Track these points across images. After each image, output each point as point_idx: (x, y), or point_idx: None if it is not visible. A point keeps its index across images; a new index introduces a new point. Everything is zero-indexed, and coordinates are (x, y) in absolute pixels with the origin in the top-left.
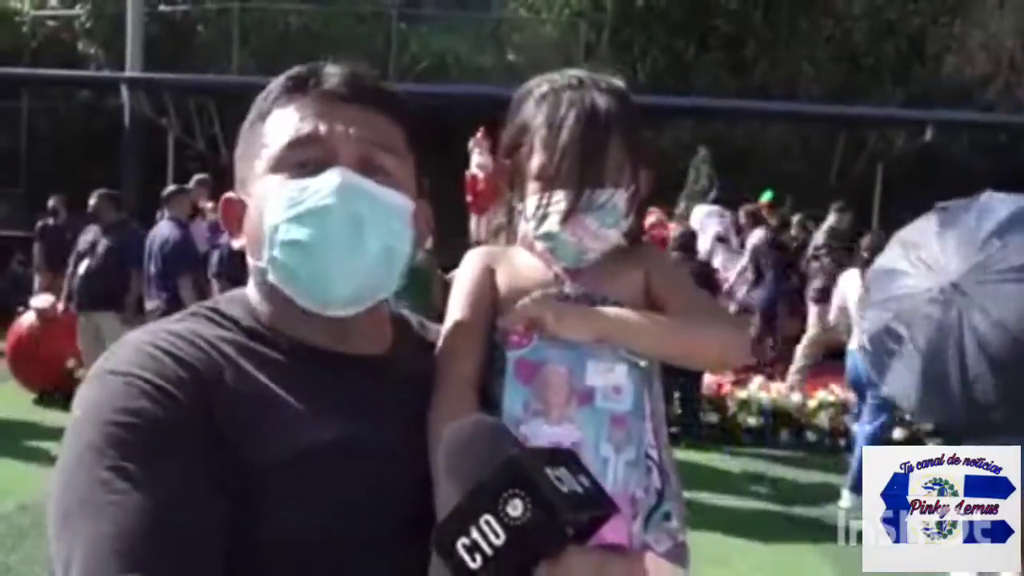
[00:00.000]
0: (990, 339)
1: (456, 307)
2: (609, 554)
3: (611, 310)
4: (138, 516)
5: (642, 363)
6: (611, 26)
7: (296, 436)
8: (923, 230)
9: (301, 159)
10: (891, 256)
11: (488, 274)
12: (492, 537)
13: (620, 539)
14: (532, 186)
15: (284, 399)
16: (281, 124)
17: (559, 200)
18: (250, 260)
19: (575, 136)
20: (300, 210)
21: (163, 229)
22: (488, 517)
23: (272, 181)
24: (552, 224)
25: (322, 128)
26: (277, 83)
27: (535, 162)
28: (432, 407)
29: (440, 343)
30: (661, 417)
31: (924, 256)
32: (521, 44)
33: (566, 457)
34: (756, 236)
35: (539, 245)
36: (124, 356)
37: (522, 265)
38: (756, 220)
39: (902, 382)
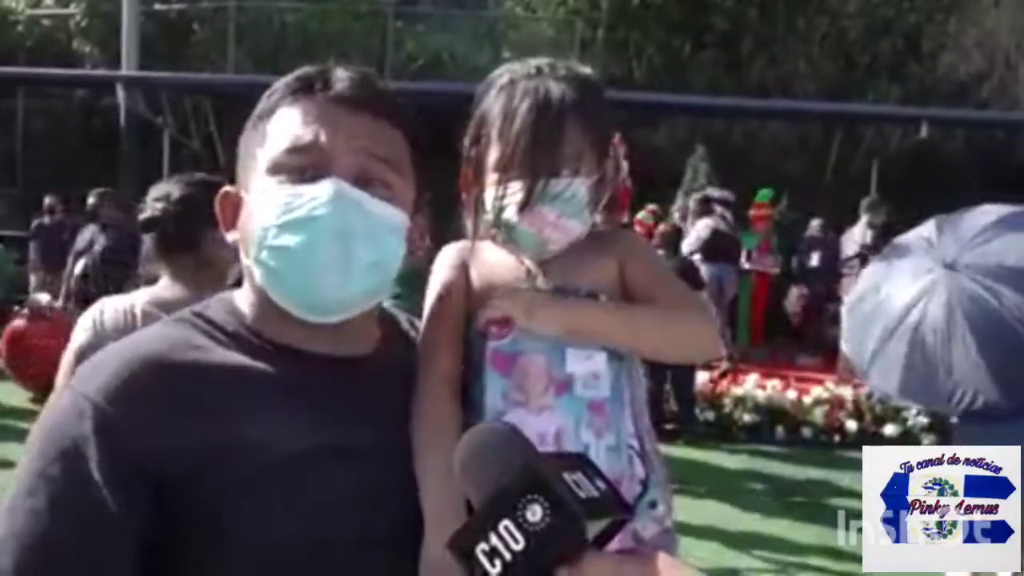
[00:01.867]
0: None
1: (432, 304)
2: (627, 558)
3: (580, 306)
4: (36, 549)
5: (621, 350)
6: (607, 24)
7: (284, 440)
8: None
9: (300, 165)
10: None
11: (462, 269)
12: (511, 542)
13: (625, 544)
14: (490, 177)
15: (270, 404)
16: (284, 126)
17: (515, 191)
18: (242, 257)
19: (527, 125)
20: (291, 217)
21: None
22: (507, 523)
23: (269, 183)
24: (509, 215)
25: (323, 136)
26: (284, 82)
27: (492, 153)
28: (413, 407)
29: (419, 341)
30: (642, 406)
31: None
32: (517, 42)
33: (581, 461)
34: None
35: (500, 237)
36: (97, 375)
37: (495, 259)
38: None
39: (861, 338)
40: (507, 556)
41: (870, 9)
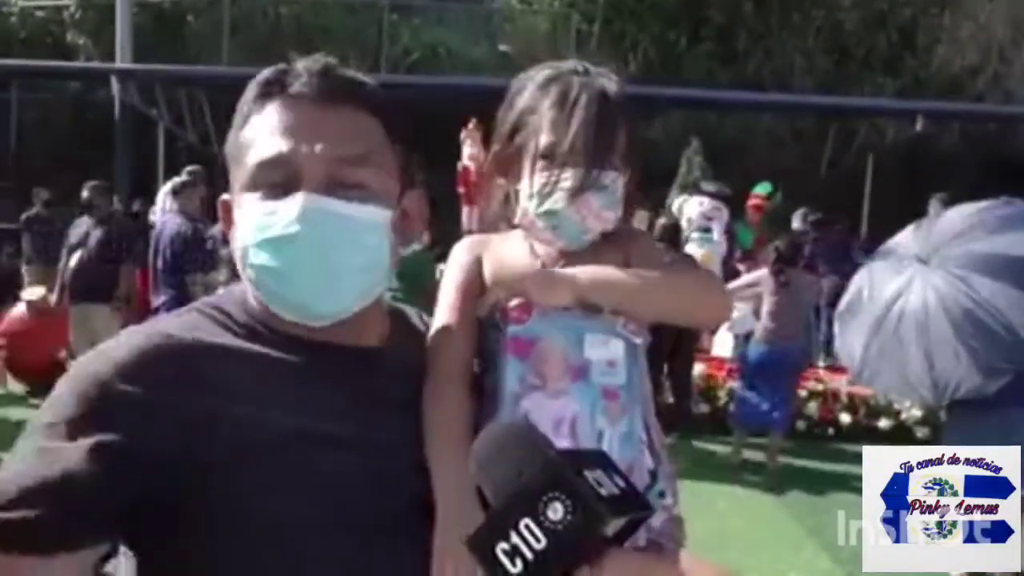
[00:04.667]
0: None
1: (446, 296)
2: (649, 556)
3: (588, 269)
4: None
5: (637, 340)
6: (603, 17)
7: (289, 424)
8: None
9: (270, 180)
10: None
11: (476, 263)
12: (532, 541)
13: (637, 533)
14: (538, 164)
15: (277, 387)
16: (253, 138)
17: (567, 178)
18: (237, 265)
19: (590, 116)
20: (267, 236)
21: (172, 223)
22: (528, 521)
23: (247, 199)
24: (558, 201)
25: (285, 147)
26: (250, 88)
27: (543, 141)
28: (424, 396)
29: (431, 333)
30: (649, 397)
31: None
32: (513, 35)
33: (600, 458)
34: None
35: (540, 223)
36: (110, 351)
37: (509, 253)
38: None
39: (851, 341)
40: (528, 555)
41: (865, 2)
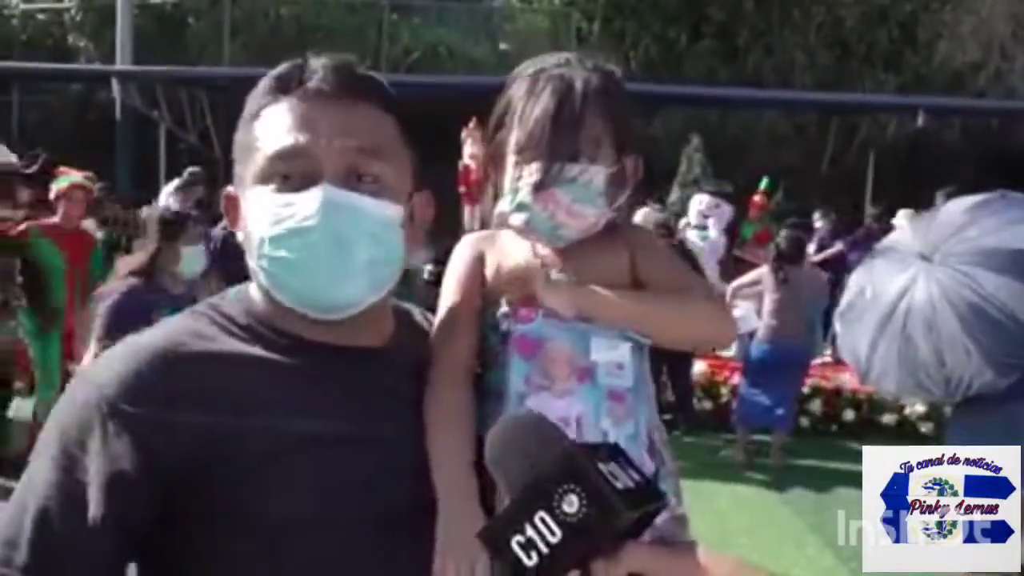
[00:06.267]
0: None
1: (448, 293)
2: (664, 550)
3: (592, 289)
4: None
5: (645, 340)
6: (603, 15)
7: (293, 425)
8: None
9: (286, 172)
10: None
11: (478, 260)
12: (548, 534)
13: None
14: (510, 160)
15: (280, 391)
16: (268, 131)
17: (531, 172)
18: (247, 257)
19: (548, 107)
20: (284, 228)
21: None
22: (543, 514)
23: (260, 193)
24: (524, 196)
25: (304, 139)
26: (264, 81)
27: (513, 137)
28: (427, 390)
29: (434, 329)
30: (652, 397)
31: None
32: (514, 34)
33: (614, 451)
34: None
35: (513, 219)
36: (109, 366)
37: (510, 251)
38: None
39: (855, 341)
40: (543, 548)
41: None
